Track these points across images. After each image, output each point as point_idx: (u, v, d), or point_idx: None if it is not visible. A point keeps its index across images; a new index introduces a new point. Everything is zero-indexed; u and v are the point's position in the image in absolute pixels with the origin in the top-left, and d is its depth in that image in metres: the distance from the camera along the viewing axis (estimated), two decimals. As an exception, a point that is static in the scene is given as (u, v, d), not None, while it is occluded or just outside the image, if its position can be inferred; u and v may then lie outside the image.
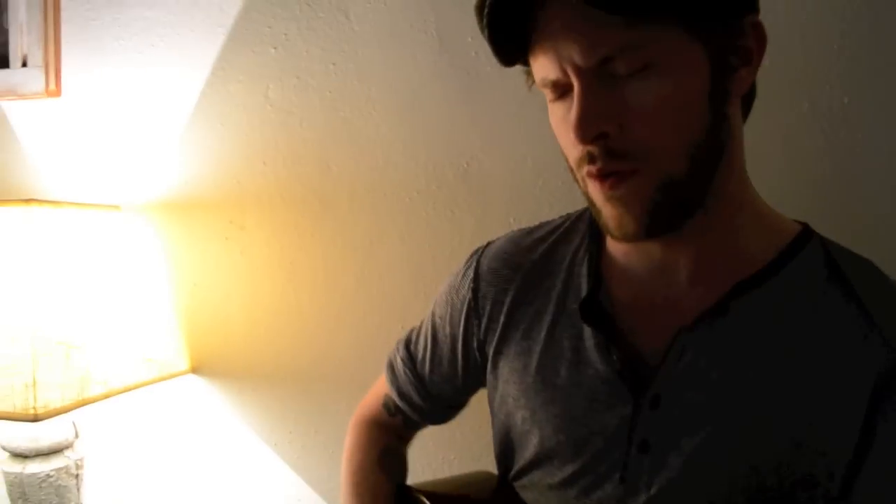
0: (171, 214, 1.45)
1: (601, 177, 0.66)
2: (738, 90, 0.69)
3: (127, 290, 1.37)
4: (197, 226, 1.44)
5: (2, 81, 1.51)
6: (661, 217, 0.66)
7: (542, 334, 0.80)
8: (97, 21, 1.48)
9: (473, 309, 0.88)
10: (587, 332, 0.76)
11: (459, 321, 0.90)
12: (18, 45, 1.49)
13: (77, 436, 1.38)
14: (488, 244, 0.93)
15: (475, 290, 0.88)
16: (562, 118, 0.68)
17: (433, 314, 0.96)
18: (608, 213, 0.67)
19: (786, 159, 1.15)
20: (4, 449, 1.33)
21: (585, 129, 0.64)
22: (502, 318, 0.85)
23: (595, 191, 0.67)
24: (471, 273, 0.89)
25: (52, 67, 1.48)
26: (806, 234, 0.75)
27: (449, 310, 0.92)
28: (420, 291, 1.32)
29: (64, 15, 1.49)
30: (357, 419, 1.05)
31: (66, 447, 1.36)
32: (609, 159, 0.65)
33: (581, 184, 0.70)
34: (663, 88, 0.63)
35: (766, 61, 1.14)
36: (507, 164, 1.28)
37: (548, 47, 0.65)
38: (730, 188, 0.71)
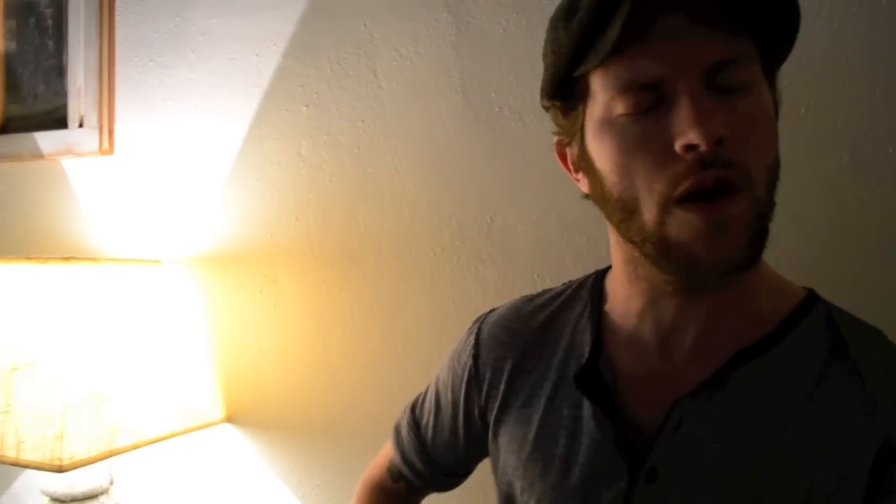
0: (209, 268, 1.44)
1: (709, 195, 0.58)
2: None
3: (164, 341, 1.35)
4: (233, 279, 1.42)
5: (61, 141, 1.54)
6: (756, 249, 0.61)
7: (542, 402, 0.76)
8: (146, 83, 1.50)
9: (474, 376, 0.83)
10: (586, 401, 0.71)
11: (461, 388, 0.85)
12: (76, 107, 1.53)
13: (112, 482, 1.37)
14: (491, 311, 0.88)
15: (476, 357, 0.83)
16: (643, 134, 0.60)
17: (437, 380, 0.91)
18: (710, 243, 0.58)
19: (823, 216, 1.03)
20: (44, 493, 1.32)
21: (710, 127, 0.56)
22: (503, 386, 0.80)
23: (695, 218, 0.58)
24: (472, 340, 0.85)
25: (106, 128, 1.51)
26: (811, 299, 0.69)
27: (451, 376, 0.87)
28: (444, 347, 1.24)
29: (117, 78, 1.51)
30: (363, 483, 1.00)
31: (101, 493, 1.34)
32: (724, 167, 0.58)
33: (657, 215, 0.60)
34: (761, 109, 0.60)
35: (802, 108, 1.06)
36: (531, 219, 1.21)
37: (654, 46, 0.59)
38: None
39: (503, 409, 0.79)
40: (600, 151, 0.64)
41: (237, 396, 1.42)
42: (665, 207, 0.60)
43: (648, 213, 0.61)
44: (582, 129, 0.66)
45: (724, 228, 0.58)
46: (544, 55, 0.69)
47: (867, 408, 0.61)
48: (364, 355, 1.32)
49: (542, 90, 0.70)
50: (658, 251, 0.62)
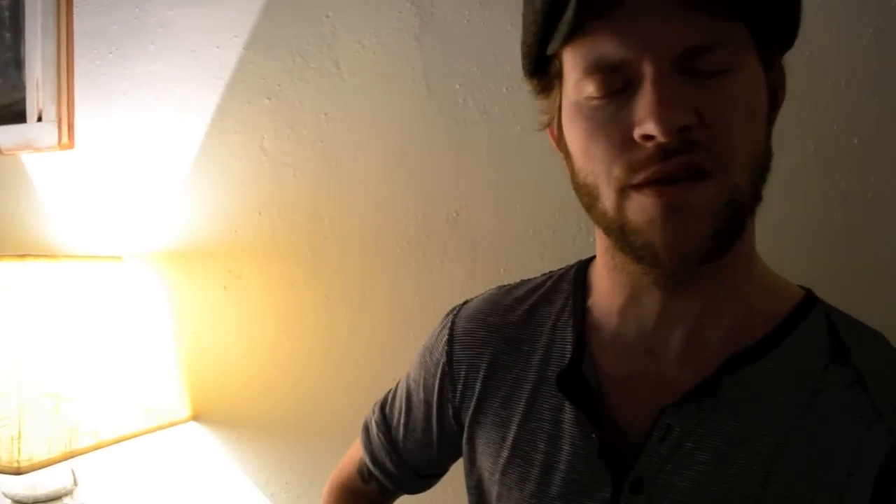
0: (172, 264, 1.40)
1: (666, 182, 0.54)
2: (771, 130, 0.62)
3: (127, 339, 1.32)
4: (197, 275, 1.38)
5: (19, 135, 1.49)
6: (721, 239, 0.56)
7: (522, 404, 0.70)
8: (106, 76, 1.45)
9: (448, 374, 0.77)
10: (567, 403, 0.66)
11: (433, 386, 0.79)
12: (35, 100, 1.48)
13: (76, 483, 1.33)
14: (465, 303, 0.82)
15: (449, 354, 0.77)
16: (607, 118, 0.56)
17: (408, 376, 0.85)
18: (664, 228, 0.54)
19: (788, 209, 1.02)
20: (6, 496, 1.29)
21: (670, 117, 0.52)
22: (479, 385, 0.74)
23: (649, 202, 0.54)
24: (445, 334, 0.79)
25: (66, 122, 1.46)
26: (808, 301, 0.64)
27: (423, 373, 0.81)
28: (412, 342, 1.23)
29: (76, 71, 1.47)
30: (332, 483, 0.95)
31: (65, 494, 1.32)
32: (688, 152, 0.53)
33: (615, 200, 0.57)
34: (743, 92, 0.55)
35: None
36: (497, 212, 1.18)
37: (625, 23, 0.54)
38: (751, 234, 0.62)
39: (479, 410, 0.73)
40: (571, 134, 0.60)
41: (203, 394, 1.39)
42: (622, 192, 0.56)
43: (608, 199, 0.57)
44: (559, 109, 0.62)
45: (680, 212, 0.54)
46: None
47: (870, 420, 0.57)
48: (331, 351, 1.29)
49: (522, 68, 0.66)
50: (620, 239, 0.58)
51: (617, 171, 0.56)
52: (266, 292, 1.33)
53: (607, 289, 0.68)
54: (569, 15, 0.54)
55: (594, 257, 0.73)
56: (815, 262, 1.01)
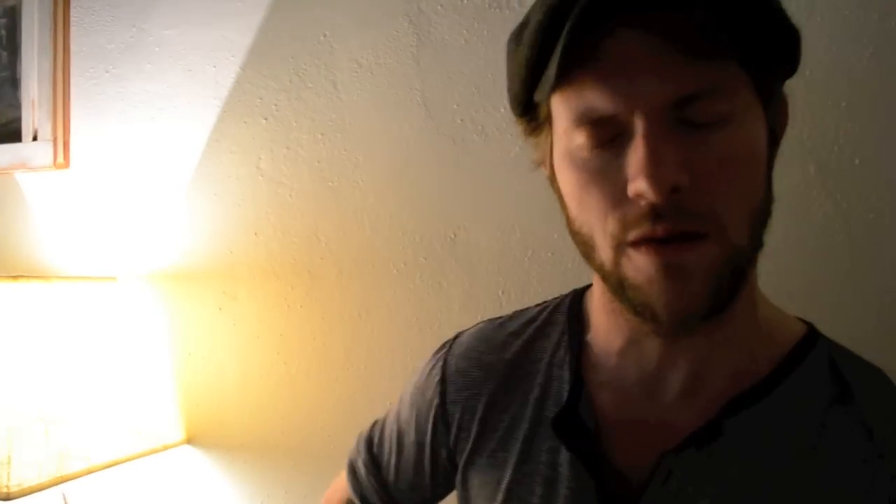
0: (167, 284, 1.37)
1: (662, 241, 0.51)
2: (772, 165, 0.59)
3: (121, 361, 1.29)
4: (192, 296, 1.35)
5: (14, 155, 1.47)
6: (721, 299, 0.53)
7: (518, 446, 0.67)
8: (102, 95, 1.43)
9: (441, 416, 0.73)
10: (565, 446, 0.63)
11: (426, 428, 0.75)
12: (30, 119, 1.46)
13: (68, 509, 1.29)
14: (456, 338, 0.78)
15: (443, 395, 0.73)
16: (599, 170, 0.54)
17: (398, 415, 0.81)
18: (661, 287, 0.52)
19: (790, 229, 1.00)
20: (-4, 522, 1.25)
21: (662, 176, 0.49)
22: (475, 427, 0.70)
23: (647, 261, 0.52)
24: (437, 374, 0.75)
25: (61, 141, 1.44)
26: (810, 338, 0.62)
27: (415, 414, 0.77)
28: (408, 366, 1.20)
29: (72, 90, 1.45)
30: None
31: (56, 521, 1.27)
32: (680, 218, 0.50)
33: (613, 257, 0.54)
34: (741, 145, 0.52)
35: None
36: (495, 234, 1.16)
37: (612, 75, 0.51)
38: (752, 279, 0.60)
39: (475, 452, 0.70)
40: (563, 181, 0.58)
41: (198, 417, 1.36)
42: (618, 249, 0.54)
43: (604, 253, 0.55)
44: (551, 152, 0.60)
45: (679, 273, 0.51)
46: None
47: (874, 462, 0.55)
48: (326, 374, 1.27)
49: (511, 109, 0.63)
50: (618, 292, 0.56)
51: (612, 227, 0.53)
52: (262, 314, 1.31)
53: (605, 328, 0.65)
54: (553, 66, 0.51)
55: (589, 286, 0.71)
56: (817, 283, 0.99)
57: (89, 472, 1.19)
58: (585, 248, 0.57)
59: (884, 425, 0.56)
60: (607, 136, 0.53)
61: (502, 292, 1.15)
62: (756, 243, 0.55)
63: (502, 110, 1.15)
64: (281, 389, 1.30)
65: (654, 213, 0.51)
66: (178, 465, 1.36)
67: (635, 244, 0.52)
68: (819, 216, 1.00)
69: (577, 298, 0.72)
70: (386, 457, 0.81)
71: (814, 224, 1.00)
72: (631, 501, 0.58)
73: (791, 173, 1.00)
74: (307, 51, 1.27)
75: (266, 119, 1.30)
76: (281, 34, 1.29)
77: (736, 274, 0.54)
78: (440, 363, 0.76)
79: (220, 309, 1.33)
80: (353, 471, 0.84)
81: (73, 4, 1.45)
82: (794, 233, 1.00)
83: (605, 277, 0.57)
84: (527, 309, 0.77)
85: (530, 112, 0.60)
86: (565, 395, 0.65)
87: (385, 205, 1.22)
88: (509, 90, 0.61)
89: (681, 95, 0.50)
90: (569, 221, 0.59)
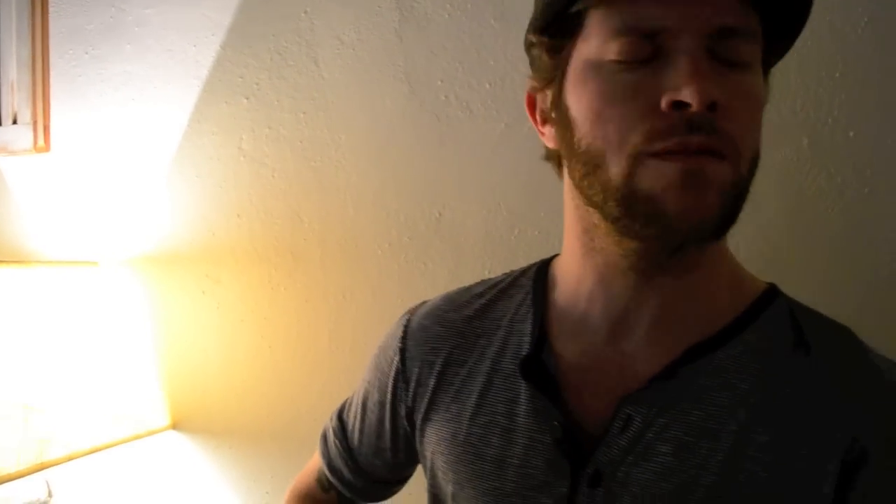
0: (150, 268, 1.33)
1: (688, 152, 0.52)
2: None
3: (103, 346, 1.25)
4: (174, 280, 1.31)
5: (-6, 139, 1.42)
6: (725, 221, 0.55)
7: (474, 398, 0.66)
8: (82, 77, 1.38)
9: (401, 372, 0.72)
10: (522, 395, 0.62)
11: (387, 388, 0.74)
12: (10, 103, 1.41)
13: (51, 495, 1.26)
14: (423, 302, 0.78)
15: (403, 352, 0.72)
16: (631, 83, 0.53)
17: (364, 380, 0.80)
18: (683, 194, 0.52)
19: (783, 203, 0.96)
20: (-22, 510, 1.22)
21: (707, 89, 0.50)
22: (432, 382, 0.69)
23: (671, 167, 0.52)
24: (399, 332, 0.75)
25: (41, 124, 1.39)
26: (771, 293, 0.62)
27: (377, 374, 0.76)
28: (394, 348, 1.16)
29: (52, 72, 1.40)
30: (291, 493, 0.89)
31: (39, 507, 1.24)
32: (711, 134, 0.52)
33: (628, 168, 0.53)
34: (757, 90, 0.55)
35: None
36: (481, 212, 1.12)
37: None
38: None
39: (431, 407, 0.69)
40: (579, 96, 0.57)
41: (182, 402, 1.32)
42: (637, 159, 0.53)
43: (616, 165, 0.54)
44: (563, 71, 0.59)
45: (699, 182, 0.52)
46: None
47: (831, 409, 0.54)
48: (311, 357, 1.23)
49: (531, 23, 0.61)
50: (622, 207, 0.54)
51: (635, 138, 0.53)
52: (245, 297, 1.27)
53: (576, 275, 0.64)
54: None
55: (555, 256, 0.71)
56: (811, 257, 0.96)
57: (70, 458, 1.16)
58: (590, 166, 0.56)
59: (839, 377, 0.56)
60: (645, 53, 0.53)
61: (489, 272, 1.11)
62: (749, 183, 0.56)
63: (487, 86, 1.11)
64: (266, 373, 1.26)
65: (690, 124, 0.51)
66: (164, 451, 1.33)
67: (659, 154, 0.52)
68: (812, 190, 0.96)
69: (545, 264, 0.72)
70: (352, 422, 0.80)
71: (807, 198, 0.96)
72: (591, 448, 0.58)
73: (784, 146, 0.96)
74: (288, 28, 1.23)
75: (247, 99, 1.26)
76: (261, 12, 1.24)
77: (738, 200, 0.55)
78: (403, 323, 0.75)
79: (203, 293, 1.29)
80: (324, 438, 0.84)
81: (51, -16, 1.40)
82: (787, 207, 0.96)
83: (607, 196, 0.55)
84: (493, 277, 0.76)
85: (555, 26, 0.58)
86: (526, 346, 0.64)
87: (368, 184, 1.18)
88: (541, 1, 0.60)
89: (726, 25, 0.52)
90: (572, 141, 0.58)
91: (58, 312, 1.20)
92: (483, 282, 0.76)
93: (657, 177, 0.52)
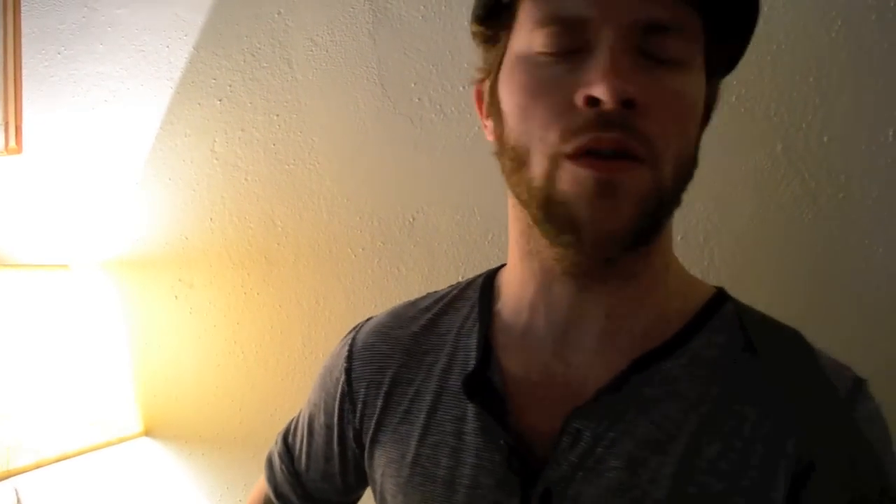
0: (122, 272, 1.31)
1: (602, 156, 0.50)
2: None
3: (74, 351, 1.23)
4: (147, 284, 1.29)
5: (-36, 140, 1.40)
6: (644, 229, 0.53)
7: (422, 418, 0.63)
8: (54, 77, 1.36)
9: (347, 393, 0.69)
10: (470, 413, 0.60)
11: (333, 409, 0.70)
12: (-20, 103, 1.39)
13: (20, 502, 1.24)
14: (369, 319, 0.74)
15: (348, 372, 0.69)
16: (552, 78, 0.52)
17: (309, 401, 0.76)
18: (594, 203, 0.50)
19: (757, 209, 0.95)
20: (-55, 518, 1.20)
21: (622, 85, 0.48)
22: (380, 402, 0.66)
23: (584, 175, 0.50)
24: (344, 352, 0.71)
25: (13, 125, 1.37)
26: (719, 298, 0.61)
27: (323, 395, 0.72)
28: (368, 353, 1.15)
29: (23, 72, 1.38)
30: None
31: (7, 516, 1.22)
32: (625, 134, 0.50)
33: (546, 169, 0.51)
34: (688, 90, 0.53)
35: (733, 96, 0.98)
36: (455, 217, 1.10)
37: None
38: (668, 234, 0.59)
39: (379, 429, 0.66)
40: (509, 90, 0.55)
41: (155, 408, 1.30)
42: (554, 160, 0.51)
43: (538, 165, 0.52)
44: (499, 63, 0.57)
45: (613, 192, 0.50)
46: None
47: (779, 417, 0.53)
48: (284, 363, 1.21)
49: (472, 13, 0.60)
50: (543, 211, 0.53)
51: (552, 136, 0.51)
52: (218, 301, 1.25)
53: (518, 282, 0.62)
54: None
55: (502, 266, 0.69)
56: (784, 264, 0.95)
57: (39, 465, 1.14)
58: (516, 162, 0.54)
59: (787, 382, 0.55)
60: (569, 44, 0.51)
61: (462, 276, 1.08)
62: (677, 190, 0.54)
63: (461, 89, 1.10)
64: (239, 379, 1.24)
65: (603, 121, 0.49)
66: (136, 458, 1.31)
67: (574, 157, 0.50)
68: (786, 196, 0.95)
69: (491, 274, 0.69)
70: (298, 445, 0.76)
71: (781, 204, 0.95)
72: (540, 466, 0.56)
73: (757, 151, 0.95)
74: (261, 29, 1.21)
75: (220, 100, 1.24)
76: (234, 12, 1.23)
77: (659, 209, 0.53)
78: (348, 342, 0.72)
79: (175, 297, 1.28)
80: (269, 463, 0.80)
81: (22, -16, 1.38)
82: (760, 213, 0.95)
83: (530, 195, 0.53)
84: (441, 289, 0.73)
85: (492, 16, 0.57)
86: (472, 361, 0.62)
87: (342, 188, 1.17)
88: None
89: (653, 20, 0.50)
90: (502, 137, 0.56)
91: (28, 317, 1.18)
92: (429, 295, 0.73)
93: (572, 182, 0.50)
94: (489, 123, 0.60)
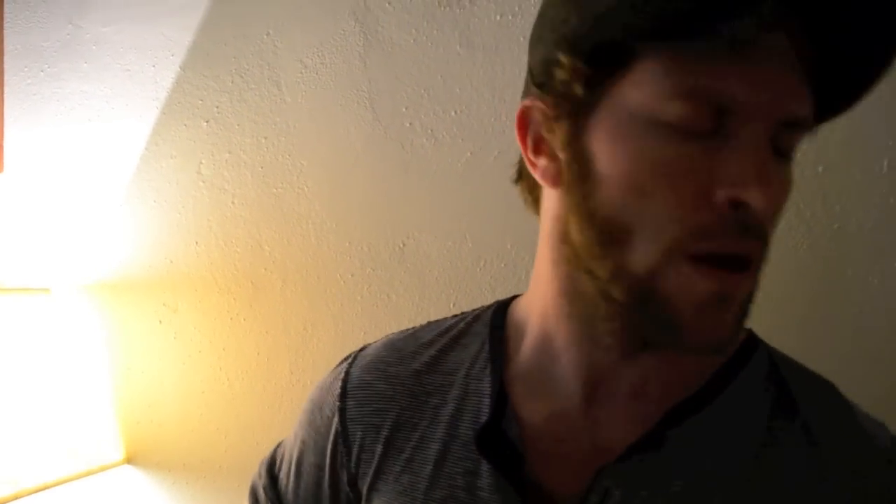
0: (104, 296, 1.29)
1: (726, 266, 0.45)
2: None
3: (54, 377, 1.20)
4: (130, 308, 1.27)
5: (-56, 159, 1.37)
6: (739, 330, 0.50)
7: (429, 468, 0.58)
8: (38, 95, 1.34)
9: (341, 434, 0.63)
10: (484, 467, 0.55)
11: (325, 450, 0.65)
12: (-39, 121, 1.36)
13: (-3, 536, 1.21)
14: (363, 348, 0.69)
15: (342, 411, 0.64)
16: (683, 161, 0.45)
17: (296, 435, 0.71)
18: (706, 317, 0.46)
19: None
20: (-82, 552, 1.16)
21: (775, 191, 0.45)
22: (379, 448, 0.61)
23: (705, 286, 0.46)
24: (337, 388, 0.65)
25: (-6, 144, 1.35)
26: (750, 343, 0.57)
27: (312, 434, 0.67)
28: (357, 381, 1.13)
29: (6, 89, 1.36)
30: None
31: (-16, 549, 1.19)
32: (761, 238, 0.47)
33: (657, 264, 0.46)
34: (791, 184, 0.49)
35: None
36: (446, 243, 1.09)
37: (758, 65, 0.44)
38: None
39: (378, 476, 0.61)
40: (614, 153, 0.47)
41: (138, 435, 1.28)
42: (669, 255, 0.46)
43: (644, 254, 0.46)
44: (593, 108, 0.49)
45: (726, 305, 0.46)
46: None
47: (820, 474, 0.51)
48: (271, 390, 1.19)
49: (564, 38, 0.49)
50: (632, 298, 0.48)
51: (675, 230, 0.45)
52: (203, 327, 1.23)
53: (545, 332, 0.57)
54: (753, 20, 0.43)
55: (513, 297, 0.64)
56: (779, 294, 0.94)
57: (17, 496, 1.11)
58: (607, 237, 0.48)
59: (830, 440, 0.52)
60: (710, 124, 0.45)
61: (453, 304, 1.08)
62: None
63: (453, 113, 1.09)
64: (224, 406, 1.22)
65: (743, 227, 0.45)
66: (118, 487, 1.28)
67: (697, 259, 0.46)
68: (781, 225, 0.93)
69: (502, 308, 0.64)
70: (285, 480, 0.71)
71: (776, 234, 0.94)
72: None
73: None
74: (250, 50, 1.19)
75: (207, 122, 1.22)
76: (223, 32, 1.21)
77: (752, 298, 0.50)
78: (341, 375, 0.66)
79: (160, 322, 1.25)
80: (253, 495, 0.75)
81: (5, 0, 1.36)
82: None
83: (616, 279, 0.48)
84: (443, 319, 0.68)
85: (603, 58, 0.47)
86: (485, 409, 0.57)
87: (331, 212, 1.15)
88: (598, 16, 0.46)
89: (798, 119, 0.46)
90: (589, 201, 0.49)
91: (7, 342, 1.15)
92: (431, 325, 0.67)
93: (685, 288, 0.46)
94: (543, 162, 0.53)
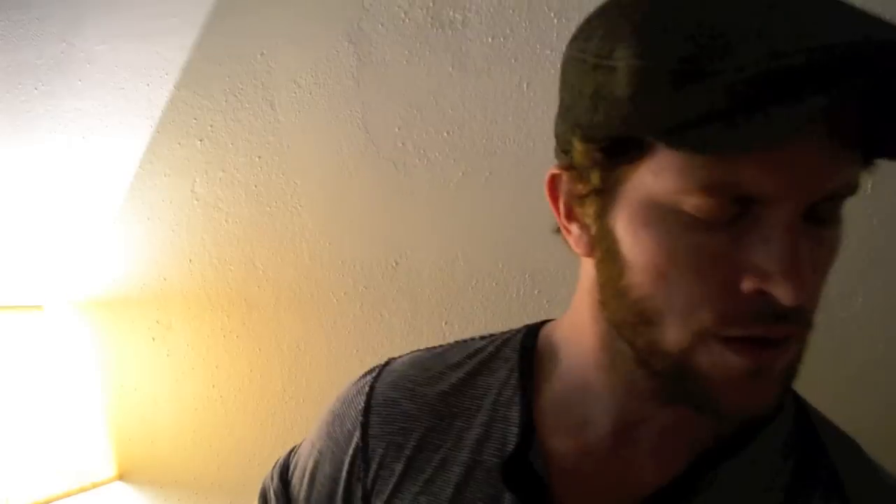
0: (98, 313, 1.29)
1: (759, 344, 0.44)
2: None
3: (47, 394, 1.21)
4: (123, 325, 1.28)
5: (-63, 175, 1.38)
6: (783, 396, 0.47)
7: (449, 490, 0.57)
8: (31, 113, 1.34)
9: (361, 450, 0.62)
10: (508, 495, 0.54)
11: (343, 462, 0.64)
12: (-46, 138, 1.37)
13: (-12, 554, 1.21)
14: (387, 364, 0.67)
15: (364, 426, 0.62)
16: (708, 251, 0.43)
17: (313, 444, 0.70)
18: (742, 391, 0.45)
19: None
20: None
21: (805, 281, 0.41)
22: (399, 467, 0.60)
23: (738, 362, 0.44)
24: (360, 402, 0.64)
25: (-13, 161, 1.35)
26: None
27: (331, 445, 0.65)
28: (349, 399, 1.14)
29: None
30: None
31: (-25, 568, 1.19)
32: (796, 322, 0.44)
33: (687, 345, 0.45)
34: (838, 246, 0.45)
35: None
36: (438, 263, 1.10)
37: (778, 154, 0.40)
38: None
39: (396, 494, 0.60)
40: (636, 238, 0.46)
41: (130, 452, 1.28)
42: (701, 338, 0.44)
43: (674, 335, 0.45)
44: (614, 190, 0.47)
45: (765, 376, 0.44)
46: (613, 84, 0.44)
47: None
48: (264, 408, 1.20)
49: (577, 125, 0.48)
50: (667, 372, 0.47)
51: (704, 316, 0.44)
52: (196, 344, 1.23)
53: (580, 371, 0.56)
54: (783, 125, 0.38)
55: (545, 322, 0.63)
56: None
57: (8, 515, 1.11)
58: (640, 318, 0.47)
59: (853, 487, 0.52)
60: (730, 215, 0.42)
61: (445, 323, 1.10)
62: None
63: (445, 134, 1.10)
64: (217, 423, 1.23)
65: (773, 313, 0.42)
66: (110, 503, 1.28)
67: (728, 340, 0.44)
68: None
69: (532, 334, 0.63)
70: (297, 487, 0.70)
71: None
72: None
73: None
74: (244, 70, 1.21)
75: (201, 140, 1.23)
76: (217, 52, 1.22)
77: (798, 368, 0.47)
78: (365, 389, 0.64)
79: (153, 339, 1.26)
80: (263, 499, 0.73)
81: (-1, 17, 1.37)
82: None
83: (654, 355, 0.47)
84: (471, 339, 0.67)
85: (618, 143, 0.46)
86: (512, 438, 0.56)
87: (324, 231, 1.16)
88: (619, 112, 0.44)
89: (831, 190, 0.42)
90: (620, 282, 0.48)
91: (0, 359, 1.16)
92: (458, 346, 0.66)
93: (718, 365, 0.44)
94: (576, 230, 0.52)
